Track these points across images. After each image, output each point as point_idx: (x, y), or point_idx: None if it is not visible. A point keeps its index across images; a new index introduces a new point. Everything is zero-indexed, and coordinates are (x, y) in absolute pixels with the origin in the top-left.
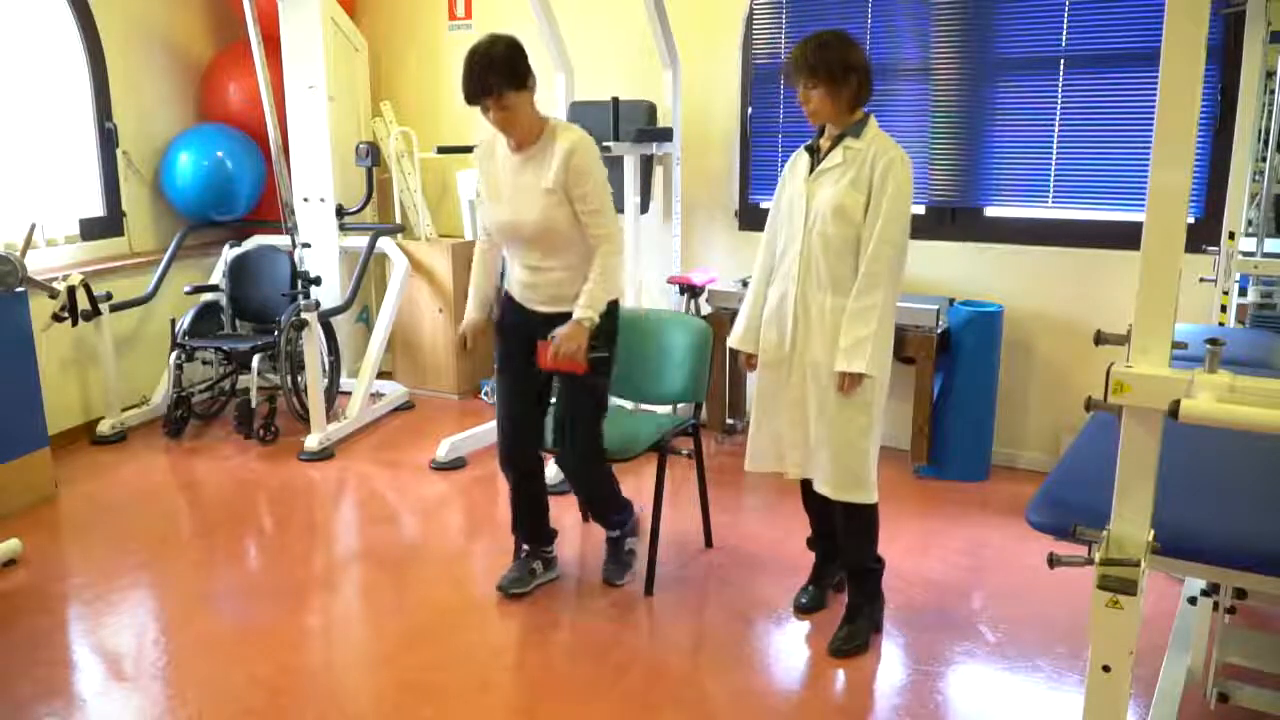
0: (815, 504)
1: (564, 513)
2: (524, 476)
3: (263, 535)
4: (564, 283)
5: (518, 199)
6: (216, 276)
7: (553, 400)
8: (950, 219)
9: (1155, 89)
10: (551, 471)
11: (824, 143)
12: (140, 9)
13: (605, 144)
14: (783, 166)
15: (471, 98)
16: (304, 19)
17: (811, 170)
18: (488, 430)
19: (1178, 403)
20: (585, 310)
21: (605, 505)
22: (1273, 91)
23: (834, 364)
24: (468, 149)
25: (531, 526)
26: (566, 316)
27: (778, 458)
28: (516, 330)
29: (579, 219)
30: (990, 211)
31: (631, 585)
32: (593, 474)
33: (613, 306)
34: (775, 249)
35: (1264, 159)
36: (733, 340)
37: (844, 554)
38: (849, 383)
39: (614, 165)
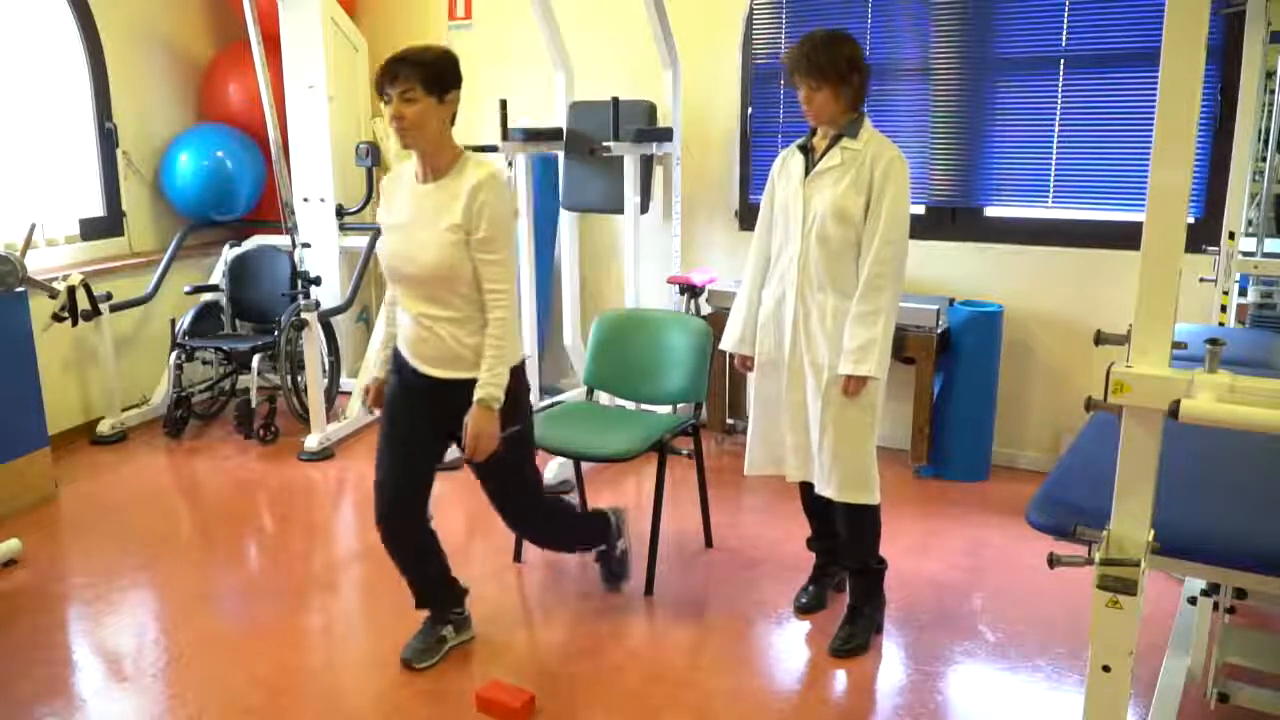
0: (816, 506)
1: None
2: (407, 551)
3: (263, 535)
4: (455, 333)
5: (414, 232)
6: (216, 276)
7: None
8: (950, 219)
9: (1155, 89)
10: (550, 473)
11: (818, 143)
12: (140, 9)
13: (605, 144)
14: None
15: (378, 85)
16: (304, 19)
17: (807, 171)
18: None
19: (1178, 403)
20: (488, 388)
21: (571, 542)
22: (1273, 91)
23: (838, 366)
24: (468, 149)
25: (431, 598)
26: (456, 383)
27: (778, 461)
28: (406, 391)
29: (475, 266)
30: (990, 211)
31: (631, 585)
32: (541, 526)
33: (514, 369)
34: (767, 250)
35: (1264, 159)
36: (728, 344)
37: (846, 555)
38: (853, 385)
39: (614, 165)
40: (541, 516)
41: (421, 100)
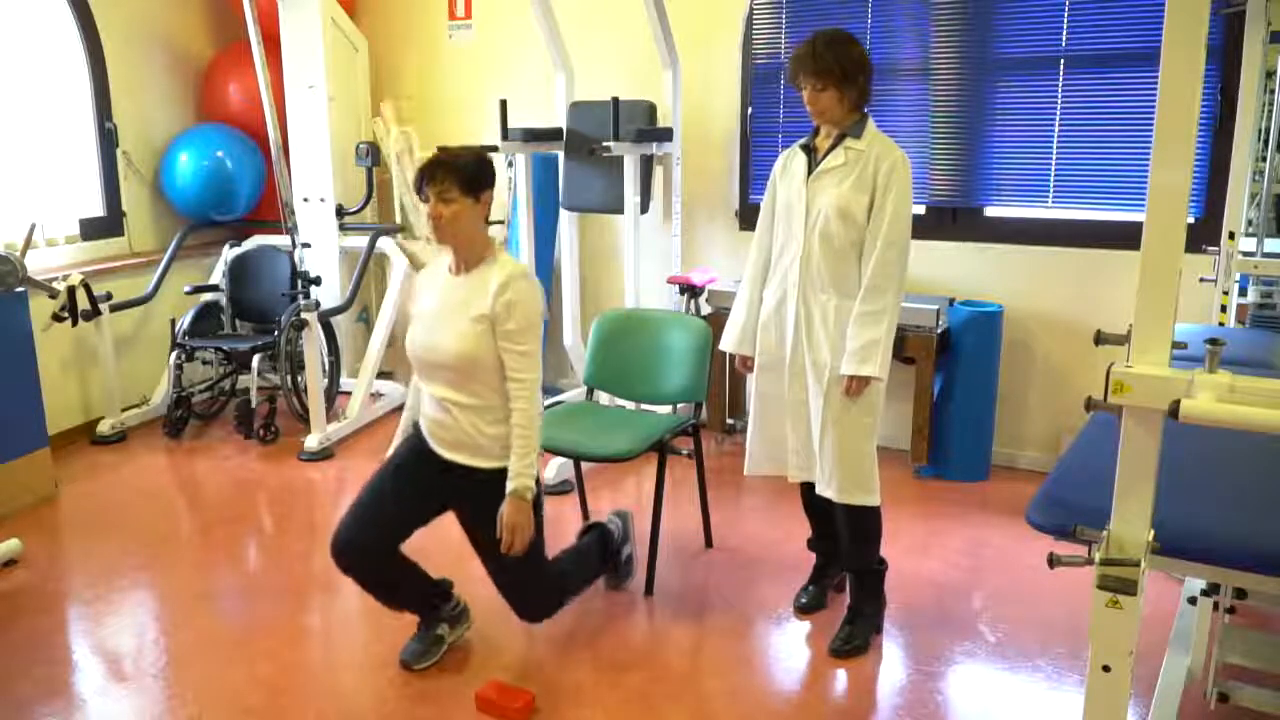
0: (816, 506)
1: (561, 510)
2: (367, 570)
3: (263, 535)
4: (475, 421)
5: (441, 321)
6: (216, 276)
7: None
8: (950, 219)
9: (1155, 89)
10: (550, 473)
11: (821, 142)
12: (140, 9)
13: (605, 144)
14: None
15: (418, 184)
16: (304, 19)
17: (810, 171)
18: None
19: (1178, 403)
20: (521, 479)
21: (578, 591)
22: (1273, 91)
23: (841, 367)
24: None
25: (413, 602)
26: (469, 472)
27: (778, 461)
28: (417, 456)
29: (501, 357)
30: (990, 211)
31: (631, 585)
32: (553, 605)
33: None
34: (768, 250)
35: (1264, 159)
36: (728, 344)
37: (847, 556)
38: (856, 386)
39: (614, 165)
40: (547, 585)
41: (458, 201)
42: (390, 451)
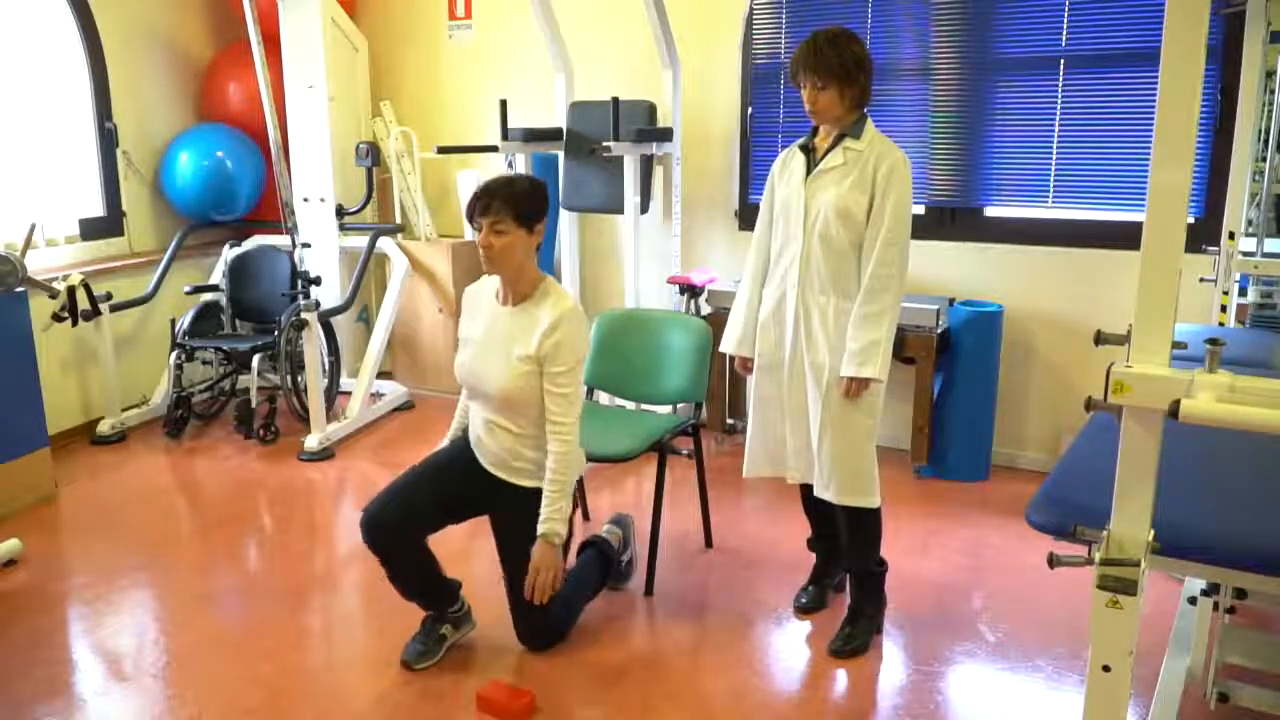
0: (816, 506)
1: None
2: (392, 548)
3: (263, 535)
4: (515, 446)
5: (489, 352)
6: (216, 276)
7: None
8: (950, 219)
9: (1155, 89)
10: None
11: (820, 142)
12: (140, 9)
13: (605, 144)
14: None
15: (470, 213)
16: (304, 19)
17: (809, 170)
18: None
19: (1178, 403)
20: (550, 523)
21: (581, 611)
22: (1273, 91)
23: (841, 368)
24: (468, 149)
25: (424, 593)
26: (506, 486)
27: (777, 463)
28: (464, 462)
29: (544, 395)
30: (990, 211)
31: (631, 585)
32: (555, 637)
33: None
34: (767, 250)
35: (1264, 159)
36: (727, 345)
37: (847, 557)
38: (856, 387)
39: (614, 165)
40: (552, 621)
41: (512, 232)
42: (438, 448)
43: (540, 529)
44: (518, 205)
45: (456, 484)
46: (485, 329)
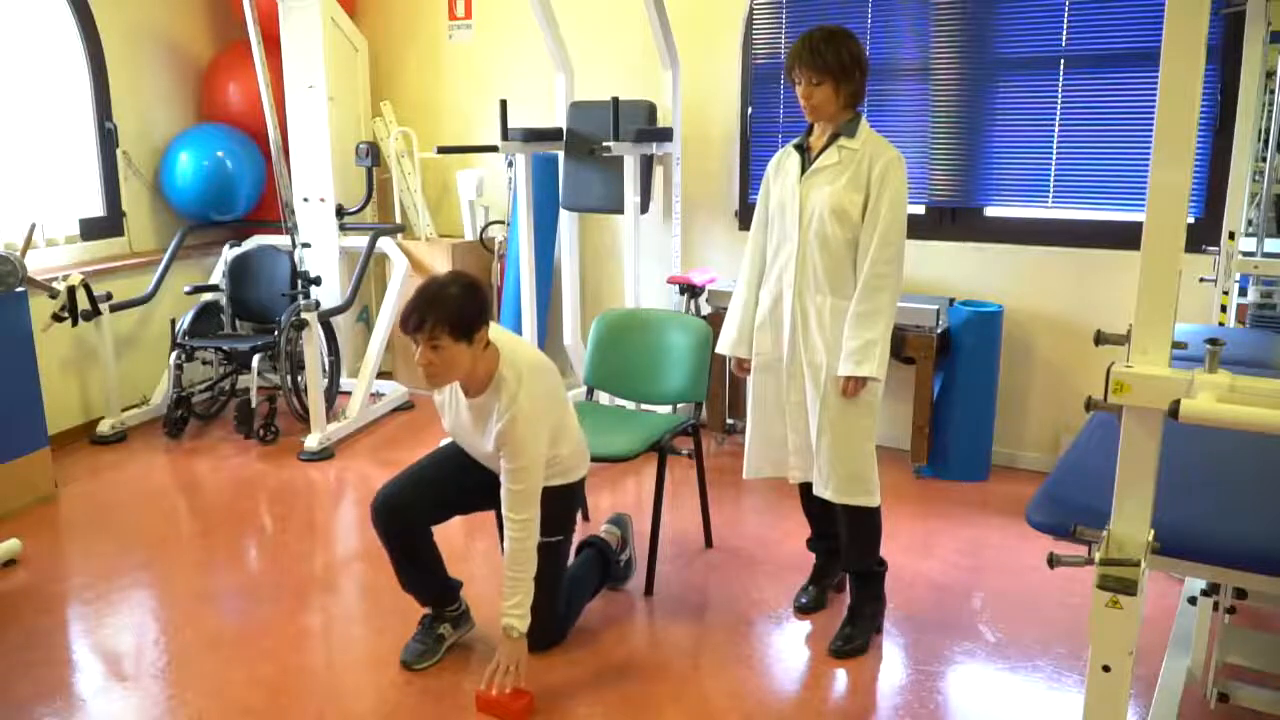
0: (816, 507)
1: None
2: (402, 532)
3: (263, 535)
4: None
5: (473, 433)
6: (216, 276)
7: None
8: (950, 219)
9: (1155, 89)
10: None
11: (815, 141)
12: (140, 9)
13: (605, 144)
14: None
15: (404, 326)
16: (304, 19)
17: (804, 170)
18: None
19: (1178, 403)
20: (509, 618)
21: (580, 612)
22: (1273, 91)
23: (838, 367)
24: (468, 149)
25: (425, 586)
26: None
27: (777, 464)
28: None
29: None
30: (990, 211)
31: (631, 585)
32: (556, 639)
33: (568, 489)
34: (763, 250)
35: (1264, 159)
36: (724, 346)
37: (847, 557)
38: (853, 386)
39: (614, 165)
40: (555, 624)
41: (450, 348)
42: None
43: (501, 621)
44: (451, 319)
45: (470, 471)
46: (454, 417)
